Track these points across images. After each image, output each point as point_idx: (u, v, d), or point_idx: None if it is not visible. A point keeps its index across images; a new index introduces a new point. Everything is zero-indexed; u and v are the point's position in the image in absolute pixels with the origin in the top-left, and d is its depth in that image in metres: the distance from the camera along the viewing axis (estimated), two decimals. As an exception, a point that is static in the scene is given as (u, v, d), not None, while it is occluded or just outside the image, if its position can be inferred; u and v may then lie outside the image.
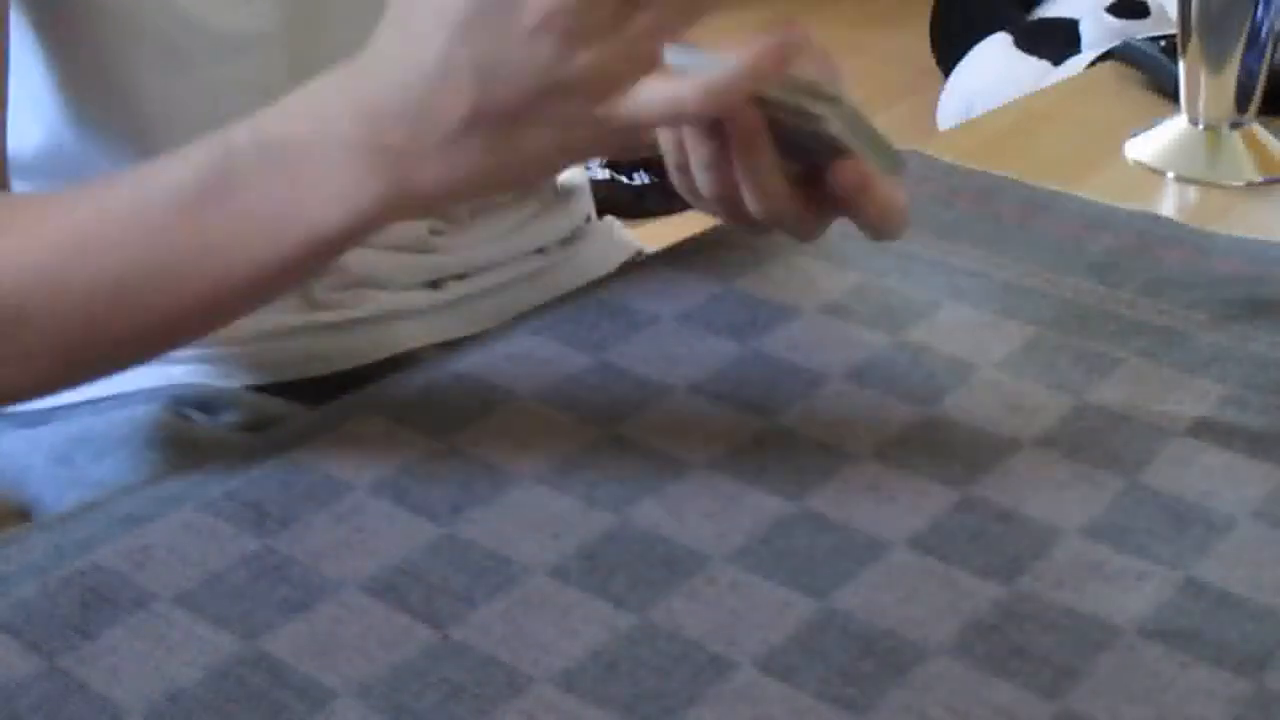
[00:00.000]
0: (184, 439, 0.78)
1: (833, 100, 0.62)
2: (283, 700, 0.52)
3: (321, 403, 0.71)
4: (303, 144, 0.61)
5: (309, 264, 0.63)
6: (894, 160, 0.63)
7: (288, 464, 0.64)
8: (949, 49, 2.96)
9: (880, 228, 0.65)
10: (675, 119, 0.59)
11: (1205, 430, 0.68)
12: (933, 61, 3.09)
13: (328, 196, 0.60)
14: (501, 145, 0.59)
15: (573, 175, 1.13)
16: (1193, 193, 0.98)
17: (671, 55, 0.60)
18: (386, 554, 0.59)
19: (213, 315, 0.65)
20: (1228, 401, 0.71)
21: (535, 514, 0.62)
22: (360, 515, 0.62)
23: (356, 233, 0.62)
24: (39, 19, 0.75)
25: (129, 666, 0.54)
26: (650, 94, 0.58)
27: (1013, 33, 2.78)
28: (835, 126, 0.61)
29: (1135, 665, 0.55)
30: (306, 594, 0.57)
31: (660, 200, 2.45)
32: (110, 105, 0.78)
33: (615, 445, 0.66)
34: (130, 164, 0.79)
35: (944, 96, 2.85)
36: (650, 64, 0.58)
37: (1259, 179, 0.98)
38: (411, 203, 0.61)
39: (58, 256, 0.64)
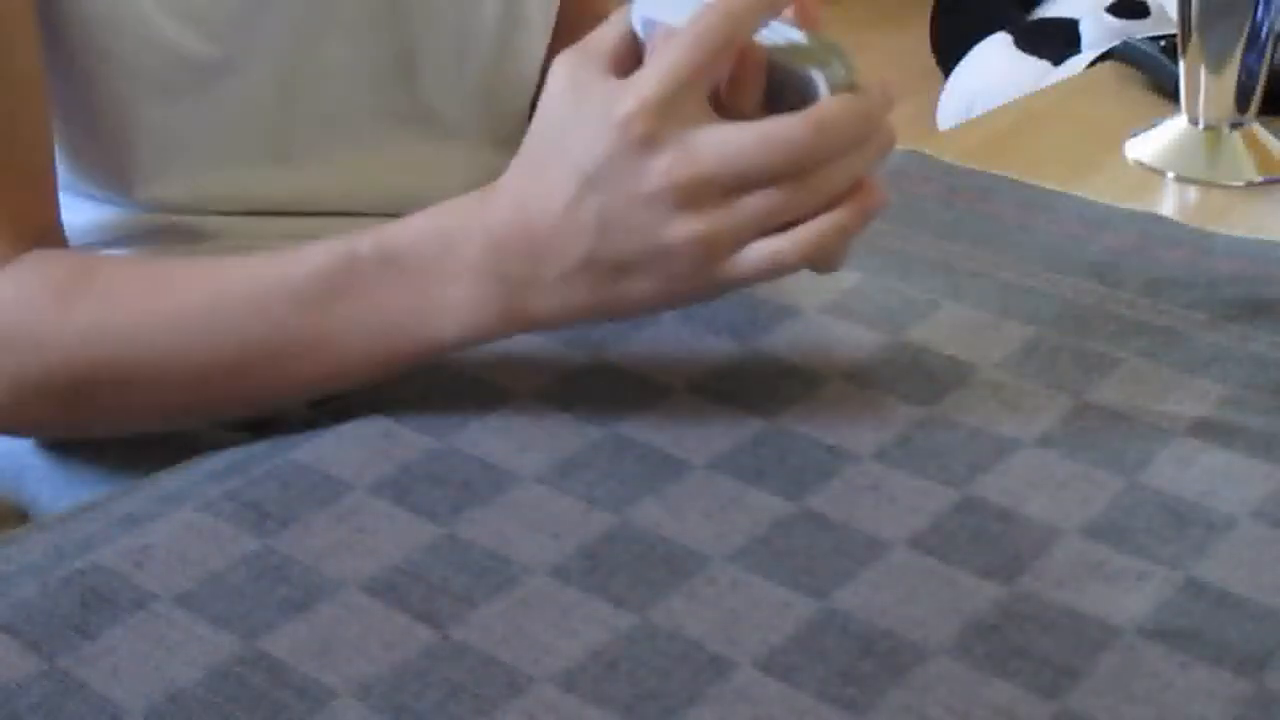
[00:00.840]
0: (184, 439, 0.78)
1: (823, 62, 0.63)
2: (282, 700, 0.52)
3: (322, 403, 0.71)
4: (428, 260, 0.65)
5: (418, 362, 0.68)
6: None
7: (288, 464, 0.64)
8: (949, 49, 2.96)
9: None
10: (775, 276, 0.63)
11: (1205, 430, 0.68)
12: (933, 61, 3.09)
13: (447, 310, 0.65)
14: (609, 288, 0.64)
15: None
16: (1193, 193, 0.98)
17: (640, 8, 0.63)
18: (386, 554, 0.59)
19: (313, 393, 0.69)
20: (1228, 401, 0.71)
21: (535, 514, 0.62)
22: (360, 515, 0.62)
23: (470, 343, 0.67)
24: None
25: (129, 666, 0.54)
26: (757, 257, 0.62)
27: (1013, 33, 2.78)
28: (822, 90, 0.62)
29: (1135, 665, 0.55)
30: (306, 594, 0.57)
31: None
32: (100, 138, 0.78)
33: (615, 445, 0.66)
34: (117, 189, 0.79)
35: (944, 96, 2.85)
36: (754, 237, 0.62)
37: (1259, 179, 0.98)
38: (523, 325, 0.66)
39: (172, 337, 0.67)
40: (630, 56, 0.64)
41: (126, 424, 0.71)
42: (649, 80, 0.61)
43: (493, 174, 0.93)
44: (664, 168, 0.61)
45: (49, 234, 0.73)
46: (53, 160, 0.74)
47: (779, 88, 0.64)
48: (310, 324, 0.66)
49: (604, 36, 0.65)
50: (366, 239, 0.66)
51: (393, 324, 0.66)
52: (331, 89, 0.81)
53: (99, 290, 0.68)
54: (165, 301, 0.68)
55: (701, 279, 0.63)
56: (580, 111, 0.63)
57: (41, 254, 0.70)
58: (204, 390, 0.68)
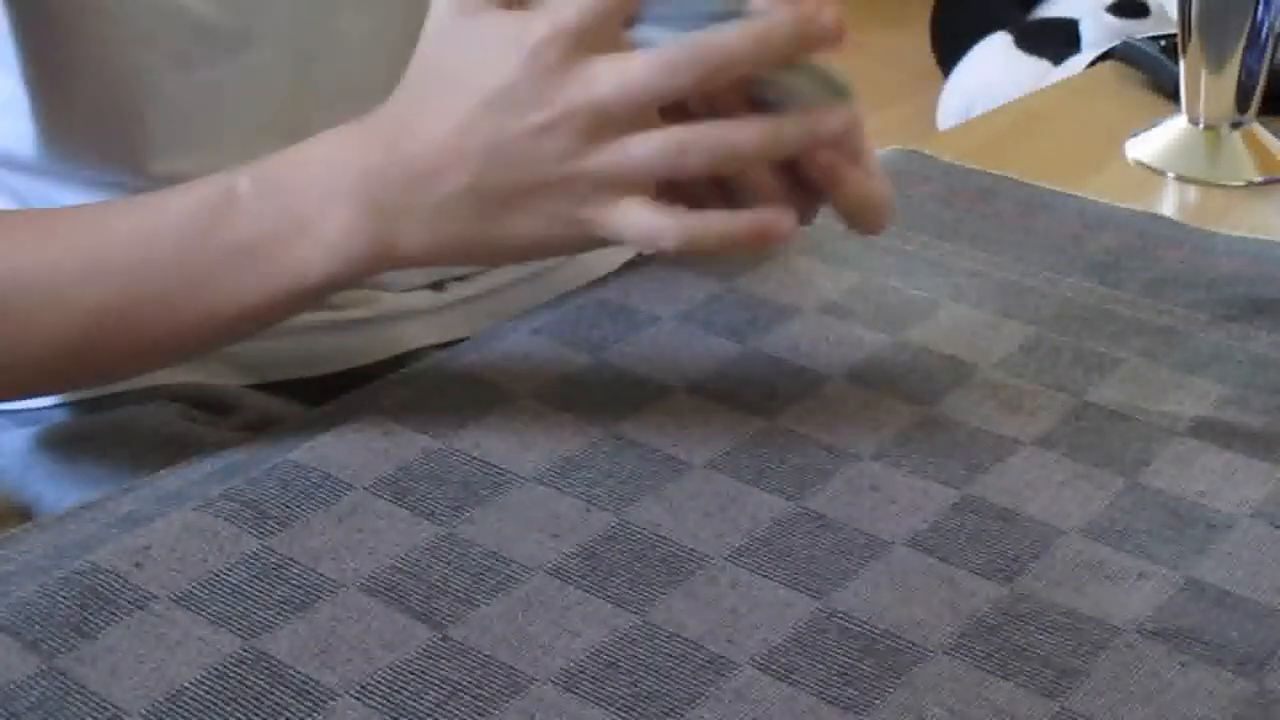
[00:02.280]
0: (184, 439, 0.78)
1: (799, 69, 0.62)
2: (282, 700, 0.52)
3: (321, 403, 0.71)
4: (301, 189, 0.64)
5: (292, 305, 0.66)
6: (839, 89, 0.63)
7: (288, 464, 0.64)
8: (949, 49, 2.96)
9: (854, 219, 0.66)
10: (648, 246, 0.62)
11: (1205, 430, 0.68)
12: (933, 61, 3.09)
13: (316, 240, 0.63)
14: (486, 224, 0.62)
15: None
16: (1193, 193, 0.98)
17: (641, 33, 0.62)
18: (386, 554, 0.59)
19: (201, 343, 0.69)
20: (1228, 401, 0.71)
21: (535, 514, 0.62)
22: (360, 515, 0.62)
23: (338, 281, 0.65)
24: (33, 20, 0.75)
25: (128, 666, 0.54)
26: (635, 218, 0.61)
27: (1013, 33, 2.78)
28: (802, 98, 0.62)
29: (1135, 665, 0.55)
30: (306, 594, 0.57)
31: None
32: (108, 104, 0.78)
33: (615, 445, 0.66)
34: (128, 163, 0.79)
35: (944, 96, 2.85)
36: (642, 188, 0.61)
37: (1259, 179, 0.98)
38: (391, 259, 0.64)
39: (62, 276, 0.66)
40: None
41: (14, 382, 0.69)
42: (568, 7, 0.60)
43: None
44: (563, 96, 0.59)
45: None
46: None
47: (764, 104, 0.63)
48: (189, 261, 0.64)
49: None
50: (248, 169, 0.65)
51: (262, 256, 0.64)
52: (347, 61, 0.81)
53: None
54: (49, 247, 0.66)
55: (580, 224, 0.61)
56: (481, 38, 0.61)
57: None
58: (94, 340, 0.66)
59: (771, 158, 0.63)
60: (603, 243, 0.63)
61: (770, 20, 0.61)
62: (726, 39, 0.60)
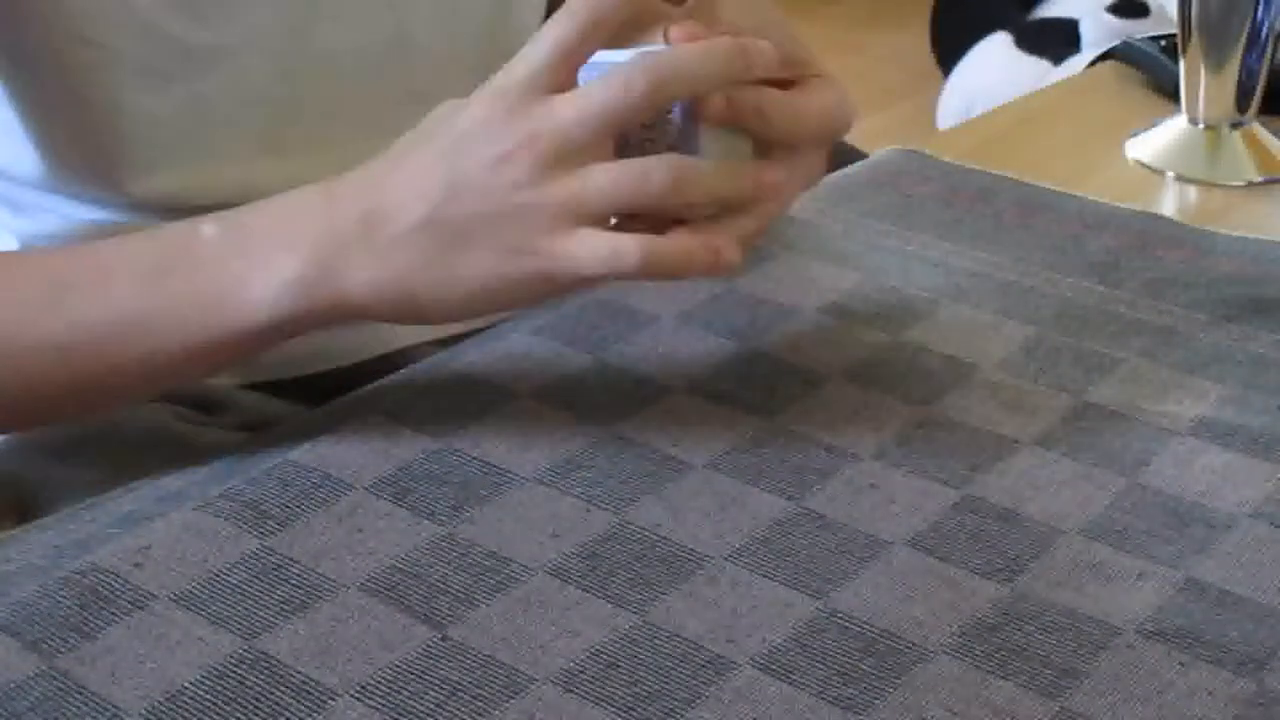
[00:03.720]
0: (180, 439, 0.78)
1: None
2: (282, 700, 0.52)
3: (321, 402, 0.71)
4: (260, 231, 0.64)
5: (237, 348, 0.65)
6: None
7: (288, 464, 0.64)
8: (949, 49, 2.96)
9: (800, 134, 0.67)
10: (609, 272, 0.62)
11: (1205, 430, 0.68)
12: (933, 61, 3.09)
13: (265, 281, 0.63)
14: (439, 257, 0.62)
15: None
16: (1193, 193, 0.98)
17: (584, 73, 0.63)
18: (386, 554, 0.59)
19: (145, 384, 0.68)
20: (1228, 401, 0.71)
21: (535, 514, 0.62)
22: (360, 515, 0.62)
23: (285, 323, 0.63)
24: (8, 42, 0.75)
25: (128, 666, 0.54)
26: (594, 242, 0.61)
27: (1013, 32, 2.78)
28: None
29: (1135, 665, 0.55)
30: (306, 594, 0.57)
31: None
32: (87, 126, 0.77)
33: (615, 445, 0.66)
34: (112, 190, 0.79)
35: (944, 96, 2.85)
36: (601, 219, 0.61)
37: (1259, 179, 0.98)
38: (339, 299, 0.63)
39: (7, 314, 0.65)
40: None
41: None
42: (534, 50, 0.61)
43: None
44: (523, 127, 0.60)
45: None
46: None
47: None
48: (141, 299, 0.64)
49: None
50: (216, 216, 0.65)
51: (209, 295, 0.63)
52: (326, 76, 0.81)
53: None
54: (6, 281, 0.66)
55: (536, 257, 0.61)
56: (458, 107, 0.63)
57: None
58: (36, 377, 0.65)
59: (732, 195, 0.63)
60: (551, 291, 0.63)
61: (714, 39, 0.62)
62: (676, 53, 0.61)
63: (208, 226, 0.65)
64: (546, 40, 0.62)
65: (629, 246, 0.61)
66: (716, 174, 0.63)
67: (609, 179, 0.61)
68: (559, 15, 0.62)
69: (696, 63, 0.62)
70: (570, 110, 0.61)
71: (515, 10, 0.87)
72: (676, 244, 0.62)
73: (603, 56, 0.63)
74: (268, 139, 0.80)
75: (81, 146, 0.78)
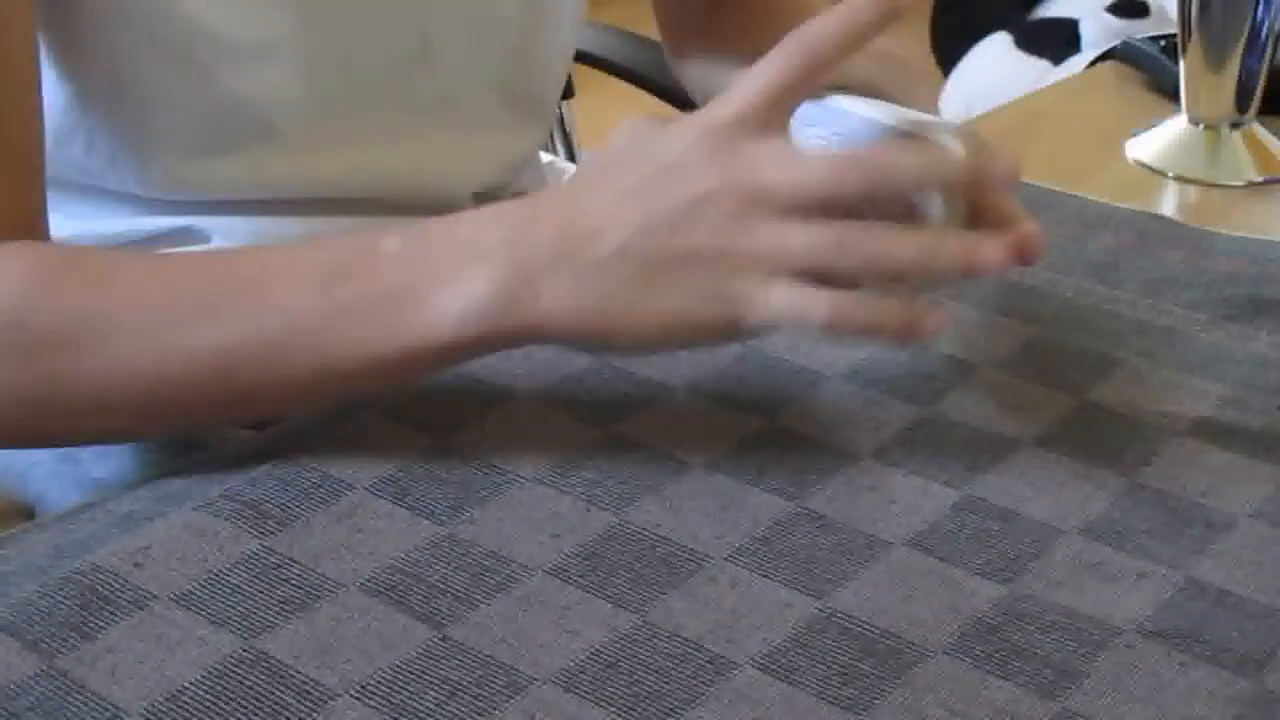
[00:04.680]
0: (184, 439, 0.78)
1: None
2: (282, 700, 0.52)
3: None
4: (445, 246, 0.62)
5: (416, 364, 0.63)
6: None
7: (288, 464, 0.64)
8: (949, 49, 2.96)
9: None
10: (795, 324, 0.61)
11: (1205, 430, 0.68)
12: (933, 61, 3.09)
13: (450, 297, 0.61)
14: (633, 290, 0.60)
15: (567, 169, 1.13)
16: (1193, 193, 0.97)
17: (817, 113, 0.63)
18: (386, 554, 0.59)
19: (315, 396, 0.65)
20: (1228, 401, 0.71)
21: (535, 514, 0.62)
22: (360, 515, 0.62)
23: (470, 341, 0.62)
24: (48, 27, 0.75)
25: (128, 666, 0.54)
26: (785, 294, 0.59)
27: (1013, 32, 2.77)
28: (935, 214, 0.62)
29: (1135, 665, 0.55)
30: (306, 594, 0.57)
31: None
32: (120, 114, 0.78)
33: (615, 445, 0.66)
34: (136, 173, 0.79)
35: (944, 96, 2.85)
36: (791, 274, 0.59)
37: (1259, 179, 0.98)
38: (531, 323, 0.61)
39: (162, 322, 0.63)
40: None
41: (119, 428, 0.67)
42: (746, 89, 0.60)
43: (510, 164, 0.93)
44: (727, 172, 0.59)
45: (34, 224, 0.70)
46: (41, 148, 0.71)
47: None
48: (311, 309, 0.62)
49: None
50: (397, 230, 0.63)
51: (390, 306, 0.61)
52: (353, 77, 0.81)
53: (90, 275, 0.65)
54: (162, 287, 0.64)
55: (723, 301, 0.60)
56: (660, 131, 0.61)
57: (27, 243, 0.67)
58: (190, 385, 0.63)
59: (925, 274, 0.61)
60: (736, 335, 0.62)
61: (946, 156, 0.61)
62: (897, 161, 0.60)
63: (390, 240, 0.63)
64: (759, 81, 0.60)
65: (820, 303, 0.59)
66: (939, 246, 0.60)
67: (805, 244, 0.59)
68: (774, 54, 0.61)
69: (917, 171, 0.61)
70: (777, 175, 0.59)
71: (544, 21, 0.87)
72: (868, 306, 0.60)
73: (837, 102, 0.61)
74: (298, 138, 0.81)
75: (118, 134, 0.78)
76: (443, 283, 0.61)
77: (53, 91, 0.77)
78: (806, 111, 0.62)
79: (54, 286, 0.64)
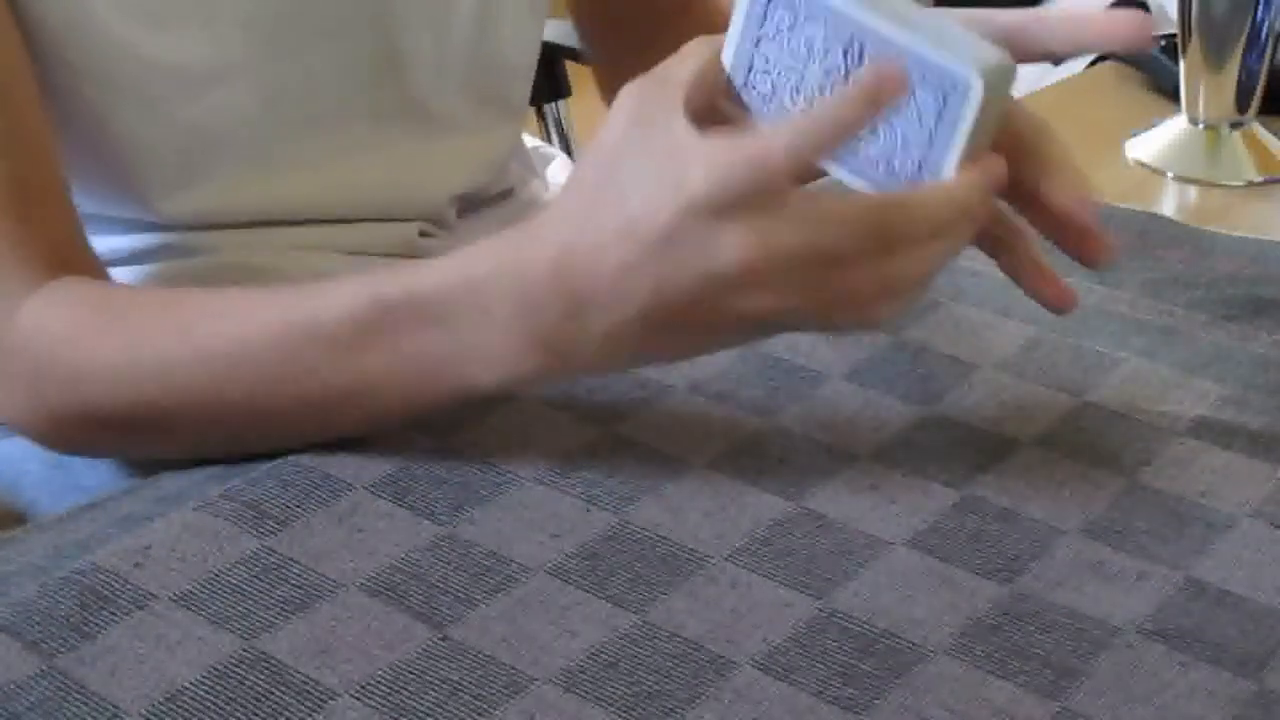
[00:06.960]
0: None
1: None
2: (282, 700, 0.52)
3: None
4: (459, 310, 0.62)
5: (459, 405, 0.65)
6: None
7: (287, 464, 0.64)
8: (949, 49, 2.96)
9: (1079, 255, 0.66)
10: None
11: (1205, 430, 0.68)
12: (933, 62, 3.09)
13: (484, 361, 0.62)
14: (658, 340, 0.60)
15: (564, 170, 1.13)
16: (1193, 193, 0.98)
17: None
18: (386, 554, 0.59)
19: (352, 434, 0.66)
20: (1228, 401, 0.71)
21: (535, 514, 0.62)
22: (360, 515, 0.62)
23: (507, 391, 0.66)
24: (41, 83, 0.75)
25: (128, 666, 0.54)
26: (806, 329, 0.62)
27: (1013, 33, 2.77)
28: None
29: (1135, 665, 0.55)
30: (306, 594, 0.57)
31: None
32: (97, 159, 0.78)
33: (615, 445, 0.66)
34: (121, 209, 0.79)
35: (944, 97, 2.85)
36: (817, 317, 0.59)
37: (1259, 179, 0.98)
38: (565, 376, 0.66)
39: (209, 371, 0.65)
40: (710, 93, 0.60)
41: (174, 452, 0.68)
42: (728, 156, 0.56)
43: (488, 165, 0.93)
44: (736, 246, 0.56)
45: (71, 255, 0.72)
46: (61, 171, 0.72)
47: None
48: (345, 371, 0.63)
49: (681, 68, 0.59)
50: (392, 284, 0.62)
51: (429, 372, 0.63)
52: (317, 93, 0.81)
53: (127, 327, 0.67)
54: (191, 343, 0.66)
55: (744, 336, 0.62)
56: (645, 157, 0.57)
57: (67, 283, 0.69)
58: (241, 431, 0.66)
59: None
60: (758, 340, 0.66)
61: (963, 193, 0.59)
62: (915, 215, 0.58)
63: (393, 295, 0.62)
64: (752, 158, 0.56)
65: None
66: None
67: (826, 296, 0.58)
68: (780, 127, 0.57)
69: (934, 223, 0.59)
70: (786, 236, 0.56)
71: (497, 15, 0.87)
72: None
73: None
74: (269, 159, 0.81)
75: (106, 175, 0.79)
76: (471, 353, 0.62)
77: (62, 138, 0.77)
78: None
79: (97, 337, 0.67)
